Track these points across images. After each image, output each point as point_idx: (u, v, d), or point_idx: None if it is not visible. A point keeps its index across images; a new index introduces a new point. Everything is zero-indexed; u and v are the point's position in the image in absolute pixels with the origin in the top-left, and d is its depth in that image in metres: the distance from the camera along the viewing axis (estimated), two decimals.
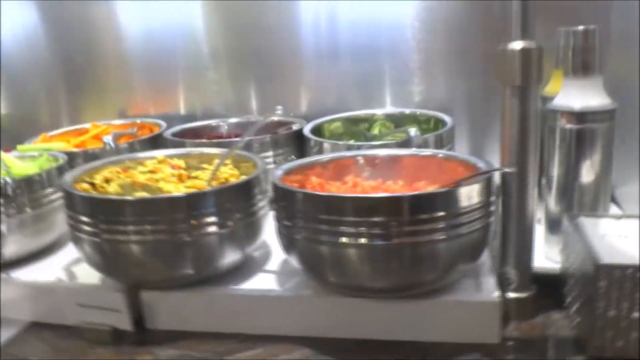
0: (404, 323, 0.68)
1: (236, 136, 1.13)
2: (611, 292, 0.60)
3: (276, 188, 0.71)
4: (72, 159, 0.96)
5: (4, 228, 0.82)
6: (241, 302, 0.72)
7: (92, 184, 0.79)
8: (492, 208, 0.68)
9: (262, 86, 1.24)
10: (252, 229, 0.75)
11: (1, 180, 0.78)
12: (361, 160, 0.81)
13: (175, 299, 0.74)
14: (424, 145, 0.90)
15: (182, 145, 1.01)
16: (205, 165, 0.87)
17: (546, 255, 0.81)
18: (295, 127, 1.05)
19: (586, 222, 0.71)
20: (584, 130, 0.75)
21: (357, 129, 1.10)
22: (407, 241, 0.64)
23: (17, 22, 1.32)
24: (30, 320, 0.80)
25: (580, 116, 0.75)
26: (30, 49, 1.34)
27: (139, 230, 0.69)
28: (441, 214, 0.64)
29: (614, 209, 0.90)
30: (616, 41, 0.95)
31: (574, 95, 0.75)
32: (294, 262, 0.72)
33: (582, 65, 0.75)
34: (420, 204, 0.64)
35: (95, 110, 1.36)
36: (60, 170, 0.89)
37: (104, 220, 0.70)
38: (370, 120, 1.10)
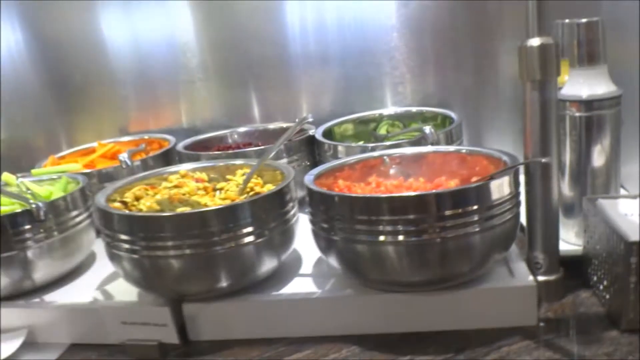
0: (445, 314, 0.71)
1: (245, 145, 1.14)
2: None
3: (312, 192, 0.73)
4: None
5: (34, 253, 0.82)
6: (284, 307, 0.74)
7: (124, 203, 0.80)
8: (520, 198, 0.72)
9: (262, 94, 1.26)
10: (286, 236, 0.77)
11: (33, 206, 0.78)
12: (387, 160, 0.84)
13: (217, 309, 0.75)
14: (438, 141, 0.93)
15: (197, 158, 1.02)
16: (229, 177, 0.89)
17: (562, 239, 0.84)
18: (309, 133, 1.07)
19: (605, 203, 0.75)
20: (593, 118, 0.79)
21: (366, 130, 1.12)
22: (444, 235, 0.67)
23: (2, 44, 1.31)
24: (69, 343, 0.80)
25: (588, 104, 0.79)
26: (17, 73, 1.32)
27: (178, 245, 0.71)
28: (475, 207, 0.67)
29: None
30: (608, 30, 0.99)
31: (581, 84, 0.79)
32: (333, 262, 0.74)
33: (588, 56, 0.79)
34: (455, 199, 0.67)
35: (92, 130, 1.35)
36: (83, 192, 0.89)
37: (143, 237, 0.72)
38: (377, 121, 1.13)
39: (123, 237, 0.73)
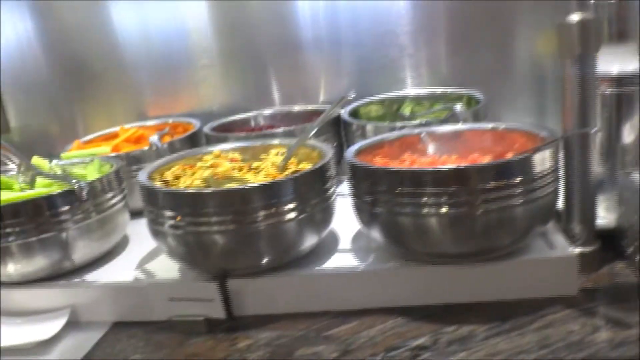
0: (486, 285, 0.73)
1: (268, 128, 1.15)
2: None
3: (355, 167, 0.75)
4: None
5: (73, 234, 0.82)
6: (328, 281, 0.76)
7: (165, 182, 0.81)
8: (560, 172, 0.74)
9: (280, 77, 1.26)
10: (327, 212, 0.79)
11: (76, 185, 0.79)
12: (425, 137, 0.85)
13: (261, 284, 0.77)
14: (468, 120, 0.95)
15: (225, 140, 1.03)
16: (262, 156, 0.90)
17: None
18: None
19: None
20: (623, 94, 0.81)
21: (390, 111, 1.13)
22: (487, 208, 0.68)
23: (11, 33, 1.31)
24: (112, 321, 0.81)
25: (619, 81, 0.80)
26: (26, 61, 1.32)
27: (222, 221, 0.72)
28: (518, 180, 0.68)
29: None
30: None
31: (611, 61, 0.81)
32: (375, 235, 0.76)
33: (618, 33, 0.81)
34: (499, 172, 0.68)
35: (106, 116, 1.35)
36: (118, 174, 0.90)
37: (188, 213, 0.72)
38: (402, 102, 1.14)
39: (168, 213, 0.74)
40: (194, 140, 1.10)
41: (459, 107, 0.94)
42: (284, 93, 1.27)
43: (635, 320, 0.66)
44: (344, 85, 1.24)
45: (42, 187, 0.87)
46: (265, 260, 0.75)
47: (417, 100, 1.14)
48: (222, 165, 0.87)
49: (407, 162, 0.84)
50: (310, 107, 1.19)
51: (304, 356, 0.68)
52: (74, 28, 1.30)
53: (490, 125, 0.84)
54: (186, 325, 0.76)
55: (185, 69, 1.28)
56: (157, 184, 0.80)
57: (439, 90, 1.13)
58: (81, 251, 0.85)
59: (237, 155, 0.91)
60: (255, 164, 0.88)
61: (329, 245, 0.83)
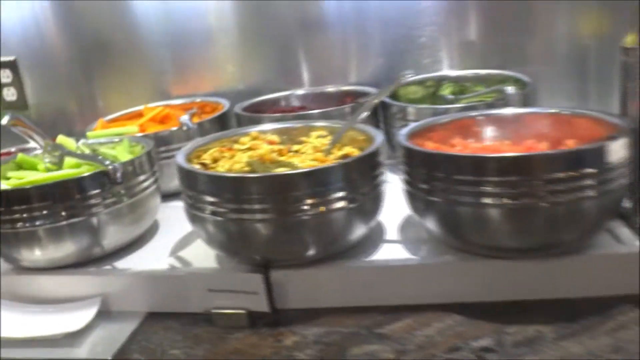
0: (550, 281, 0.68)
1: (300, 109, 1.09)
2: None
3: (410, 152, 0.69)
4: None
5: (104, 219, 0.78)
6: (379, 274, 0.71)
7: (203, 164, 0.76)
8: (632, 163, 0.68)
9: (310, 56, 1.21)
10: (377, 201, 0.74)
11: (110, 167, 0.74)
12: (482, 120, 0.80)
13: (306, 276, 0.72)
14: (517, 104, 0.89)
15: (258, 120, 0.97)
16: (304, 139, 0.85)
17: None
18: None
19: None
20: None
21: (430, 92, 1.07)
22: (554, 200, 0.63)
23: (29, 8, 1.25)
24: (146, 311, 0.76)
25: None
26: (43, 38, 1.27)
27: (267, 208, 0.67)
28: (592, 170, 0.63)
29: None
30: None
31: None
32: (430, 225, 0.71)
33: None
34: (570, 161, 0.63)
35: (125, 94, 1.30)
36: (149, 155, 0.85)
37: (230, 199, 0.67)
38: (442, 83, 1.08)
39: (209, 198, 0.69)
40: (223, 121, 1.05)
41: (510, 89, 0.88)
42: (313, 73, 1.22)
43: None
44: (378, 65, 1.19)
45: (70, 168, 0.82)
46: (311, 251, 0.70)
47: (457, 81, 1.08)
48: (260, 147, 0.82)
49: (458, 148, 0.79)
50: (344, 87, 1.13)
51: (357, 356, 0.63)
52: (93, 3, 1.24)
53: (553, 110, 0.78)
54: (226, 318, 0.71)
55: (208, 47, 1.23)
56: (196, 166, 0.74)
57: (483, 71, 1.07)
58: (112, 237, 0.80)
59: (275, 138, 0.86)
60: (295, 147, 0.83)
61: (374, 235, 0.78)
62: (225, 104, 1.10)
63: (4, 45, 1.25)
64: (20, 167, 0.89)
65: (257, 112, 1.06)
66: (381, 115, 1.03)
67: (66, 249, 0.77)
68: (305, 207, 0.67)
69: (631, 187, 0.69)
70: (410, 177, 0.72)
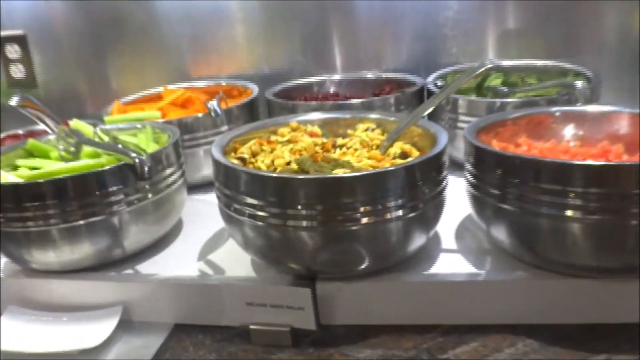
0: (636, 304, 0.60)
1: (334, 96, 1.00)
2: None
3: (481, 152, 0.61)
4: None
5: (125, 218, 0.69)
6: (440, 290, 0.63)
7: (242, 159, 0.67)
8: None
9: (342, 40, 1.12)
10: (439, 208, 0.65)
11: (136, 160, 0.64)
12: (559, 118, 0.71)
13: (357, 290, 0.63)
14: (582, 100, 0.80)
15: (293, 109, 0.89)
16: (350, 132, 0.76)
17: None
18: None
19: None
20: None
21: (475, 82, 0.98)
22: None
23: None
24: (173, 323, 0.68)
25: None
26: (54, 9, 1.18)
27: (317, 214, 0.58)
28: None
29: None
30: None
31: None
32: (499, 235, 0.63)
33: None
34: None
35: (140, 73, 1.21)
36: (176, 146, 0.76)
37: (274, 203, 0.59)
38: (489, 73, 0.99)
39: (249, 200, 0.60)
40: (252, 107, 0.96)
41: (579, 83, 0.79)
42: (345, 57, 1.13)
43: None
44: (415, 50, 1.10)
45: (88, 158, 0.73)
46: (364, 264, 0.62)
47: (508, 72, 0.99)
48: (301, 140, 0.73)
49: (524, 147, 0.70)
50: (384, 75, 1.04)
51: None
52: None
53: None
54: (267, 335, 0.63)
55: (232, 25, 1.14)
56: (235, 162, 0.65)
57: (537, 62, 0.97)
58: (134, 237, 0.71)
59: (316, 129, 0.77)
60: (340, 141, 0.74)
61: (429, 242, 0.70)
62: (253, 89, 1.00)
63: (11, 18, 1.15)
64: (30, 154, 0.80)
65: (288, 98, 0.97)
66: None
67: (83, 250, 0.68)
68: (361, 215, 0.58)
69: None
70: (478, 180, 0.63)
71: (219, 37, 1.15)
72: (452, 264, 0.66)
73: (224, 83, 1.07)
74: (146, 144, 0.76)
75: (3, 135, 1.06)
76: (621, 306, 0.60)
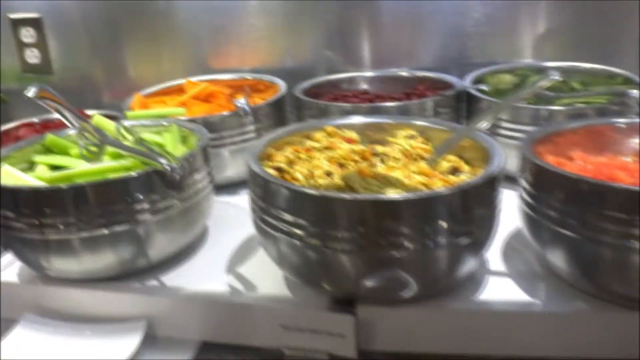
0: None
1: (364, 94, 0.95)
2: None
3: (540, 170, 0.56)
4: None
5: (151, 227, 0.64)
6: (490, 319, 0.58)
7: (279, 169, 0.62)
8: None
9: (375, 37, 1.06)
10: (491, 233, 0.59)
11: (167, 167, 0.60)
12: (622, 130, 0.66)
13: (400, 315, 0.59)
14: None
15: (324, 110, 0.84)
16: (390, 139, 0.71)
17: None
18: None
19: None
20: None
21: (514, 83, 0.92)
22: None
23: None
24: (200, 340, 0.64)
25: None
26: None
27: (360, 237, 0.53)
28: None
29: None
30: None
31: None
32: (555, 260, 0.59)
33: None
34: None
35: (158, 63, 1.16)
36: (205, 149, 0.71)
37: (314, 222, 0.54)
38: (534, 75, 0.93)
39: (288, 217, 0.55)
40: (280, 105, 0.91)
41: (635, 92, 0.74)
42: (374, 52, 1.07)
43: None
44: (446, 47, 1.04)
45: (111, 160, 0.69)
46: (408, 291, 0.57)
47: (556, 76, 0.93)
48: (339, 147, 0.68)
49: (578, 162, 0.66)
50: (418, 73, 0.98)
51: None
52: None
53: None
54: None
55: (256, 15, 1.08)
56: (271, 172, 0.61)
57: (585, 65, 0.92)
58: (160, 246, 0.67)
59: (354, 135, 0.72)
60: (379, 149, 0.69)
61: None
62: (280, 84, 0.95)
63: (25, 1, 1.10)
64: (49, 150, 0.75)
65: (316, 95, 0.92)
66: (463, 109, 0.89)
67: (106, 260, 0.64)
68: (408, 240, 0.53)
69: None
70: (535, 200, 0.58)
71: (241, 27, 1.09)
72: (501, 289, 0.61)
73: (248, 77, 1.01)
74: (173, 145, 0.71)
75: (17, 123, 1.01)
76: None
